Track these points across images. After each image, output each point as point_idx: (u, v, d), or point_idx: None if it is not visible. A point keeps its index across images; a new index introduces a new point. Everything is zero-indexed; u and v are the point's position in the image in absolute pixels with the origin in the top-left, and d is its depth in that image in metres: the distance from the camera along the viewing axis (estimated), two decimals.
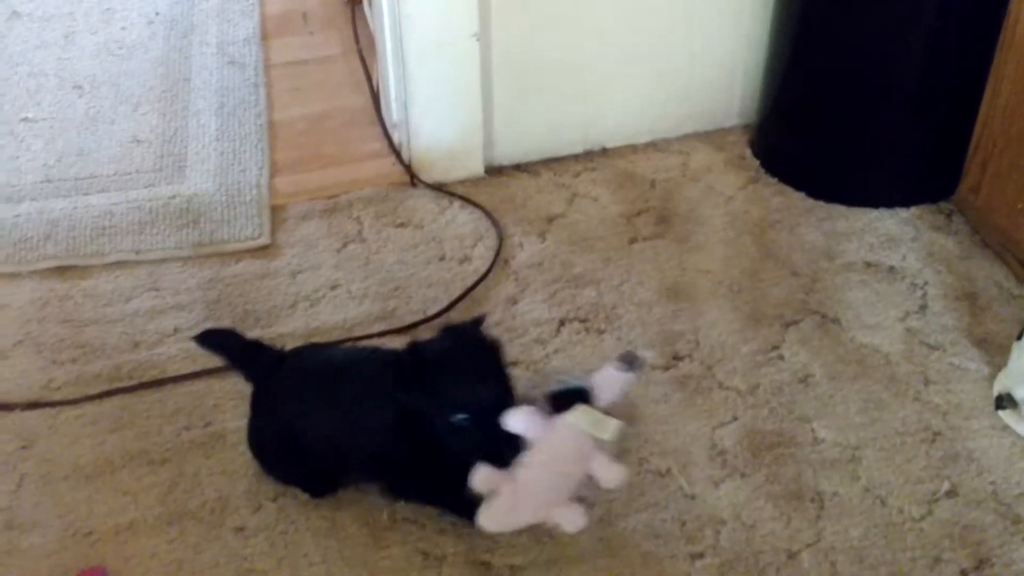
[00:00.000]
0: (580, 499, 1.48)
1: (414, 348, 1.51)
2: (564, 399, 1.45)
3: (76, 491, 1.65)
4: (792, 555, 1.56)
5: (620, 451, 1.55)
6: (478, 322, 1.55)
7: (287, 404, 1.59)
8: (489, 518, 1.47)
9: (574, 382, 1.48)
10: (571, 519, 1.47)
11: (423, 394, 1.46)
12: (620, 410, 1.47)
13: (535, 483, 1.46)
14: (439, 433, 1.47)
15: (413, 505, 1.62)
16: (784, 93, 2.19)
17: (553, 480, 1.46)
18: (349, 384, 1.56)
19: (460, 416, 1.44)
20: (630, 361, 1.48)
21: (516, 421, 1.43)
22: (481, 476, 1.45)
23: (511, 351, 1.84)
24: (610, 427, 1.43)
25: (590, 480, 1.46)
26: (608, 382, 1.47)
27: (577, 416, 1.43)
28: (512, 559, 1.56)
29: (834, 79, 2.09)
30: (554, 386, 1.48)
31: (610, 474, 1.45)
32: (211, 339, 1.70)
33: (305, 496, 1.63)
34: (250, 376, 1.65)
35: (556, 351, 1.85)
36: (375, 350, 1.69)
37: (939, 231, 2.09)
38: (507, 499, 1.45)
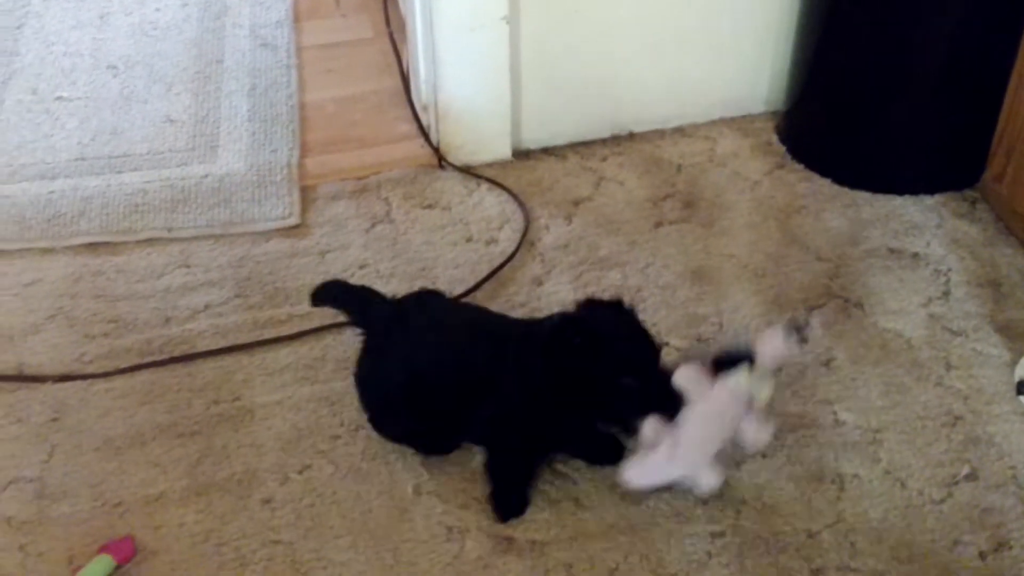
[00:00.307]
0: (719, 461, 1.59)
1: (569, 317, 1.56)
2: (727, 361, 1.54)
3: (106, 462, 1.69)
4: (812, 535, 1.57)
5: (768, 416, 1.62)
6: (617, 300, 1.60)
7: (418, 352, 1.60)
8: (639, 473, 1.57)
9: (740, 346, 1.58)
10: (710, 478, 1.58)
11: (591, 359, 1.50)
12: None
13: (690, 439, 1.54)
14: (603, 395, 1.52)
15: (437, 479, 1.64)
16: (811, 80, 2.19)
17: (707, 437, 1.55)
18: (484, 341, 1.60)
19: (628, 379, 1.51)
20: (797, 328, 1.59)
21: (684, 378, 1.52)
22: (651, 426, 1.54)
23: None
24: (767, 389, 1.54)
25: (733, 441, 1.58)
26: (771, 347, 1.55)
27: (739, 377, 1.53)
28: (534, 534, 1.58)
29: (861, 67, 2.09)
30: (720, 349, 1.59)
31: (759, 435, 1.59)
32: (324, 295, 1.74)
33: (331, 469, 1.66)
34: (366, 323, 1.67)
35: None
36: (499, 314, 1.73)
37: (963, 218, 2.09)
38: (664, 452, 1.54)
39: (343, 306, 1.74)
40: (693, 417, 1.53)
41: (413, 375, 1.60)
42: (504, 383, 1.56)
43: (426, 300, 1.72)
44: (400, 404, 1.62)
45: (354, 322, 1.72)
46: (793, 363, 1.80)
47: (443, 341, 1.61)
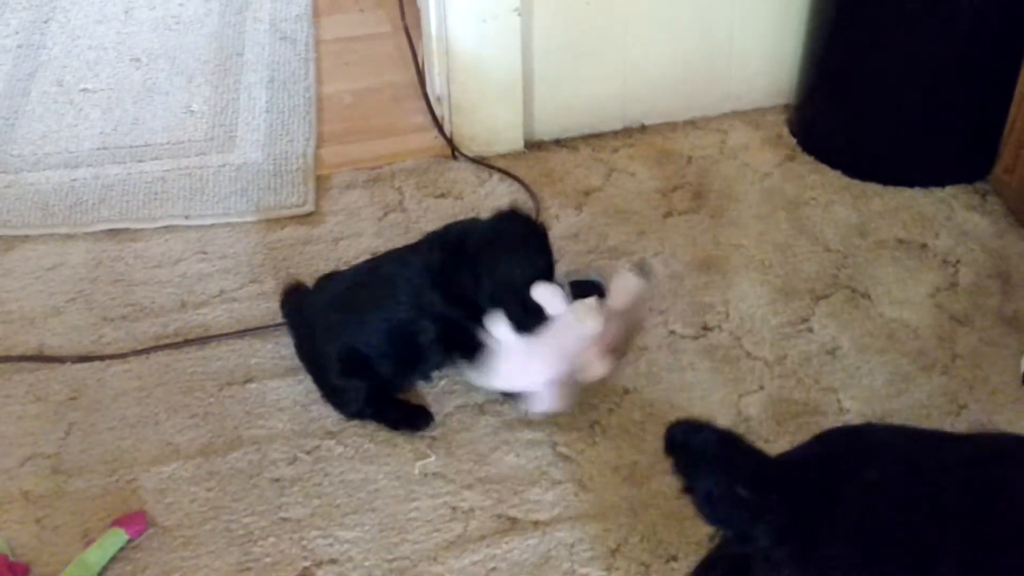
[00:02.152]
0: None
1: (452, 235, 1.70)
2: (582, 289, 1.64)
3: (121, 440, 1.73)
4: None
5: (623, 355, 1.74)
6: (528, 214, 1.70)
7: (329, 335, 1.71)
8: (495, 376, 1.67)
9: (593, 277, 1.69)
10: (544, 400, 1.68)
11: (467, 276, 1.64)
12: (633, 315, 1.67)
13: (536, 354, 1.64)
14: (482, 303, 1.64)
15: (443, 460, 1.67)
16: (822, 73, 2.21)
17: (554, 355, 1.64)
18: (377, 288, 1.71)
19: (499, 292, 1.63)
20: (642, 268, 1.67)
21: (540, 294, 1.62)
22: (505, 332, 1.63)
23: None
24: (590, 323, 1.61)
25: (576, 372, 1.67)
26: (623, 285, 1.66)
27: (576, 306, 1.62)
28: (537, 514, 1.60)
29: (872, 59, 2.10)
30: (574, 277, 1.69)
31: (592, 368, 1.66)
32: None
33: (340, 450, 1.70)
34: (288, 315, 1.79)
35: None
36: (395, 252, 1.79)
37: (973, 211, 2.10)
38: (518, 359, 1.64)
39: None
40: (546, 334, 1.62)
41: (338, 352, 1.70)
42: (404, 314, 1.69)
43: (320, 285, 1.80)
44: (341, 381, 1.72)
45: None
46: (798, 351, 1.83)
47: (341, 309, 1.72)
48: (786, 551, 1.11)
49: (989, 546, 1.06)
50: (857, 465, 1.14)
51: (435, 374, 1.79)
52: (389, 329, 1.70)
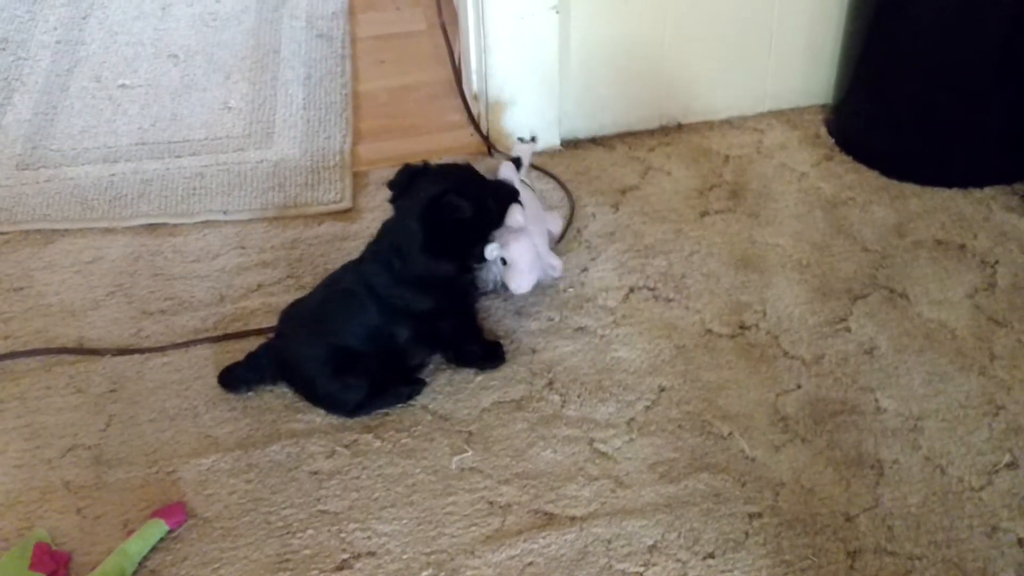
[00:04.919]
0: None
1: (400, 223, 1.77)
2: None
3: (161, 432, 1.74)
4: (849, 518, 1.58)
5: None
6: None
7: (311, 341, 1.74)
8: (522, 281, 1.81)
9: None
10: (555, 264, 1.90)
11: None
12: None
13: (535, 238, 1.83)
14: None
15: (480, 455, 1.68)
16: (861, 72, 2.20)
17: (541, 231, 1.89)
18: (343, 301, 1.75)
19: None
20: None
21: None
22: (516, 217, 1.78)
23: (579, 317, 1.90)
24: (517, 216, 1.78)
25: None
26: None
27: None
28: (574, 511, 1.61)
29: (911, 59, 2.09)
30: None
31: (557, 224, 2.01)
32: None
33: (377, 444, 1.70)
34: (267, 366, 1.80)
35: (624, 317, 1.90)
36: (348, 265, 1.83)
37: (1012, 212, 2.09)
38: (525, 258, 1.80)
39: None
40: (527, 221, 1.80)
41: (328, 346, 1.72)
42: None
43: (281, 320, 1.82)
44: (335, 386, 1.73)
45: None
46: (835, 351, 1.82)
47: (307, 324, 1.76)
48: None
49: None
50: None
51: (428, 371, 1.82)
52: (367, 333, 1.73)
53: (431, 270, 1.73)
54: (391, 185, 1.78)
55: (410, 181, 1.76)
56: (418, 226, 1.71)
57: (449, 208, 1.71)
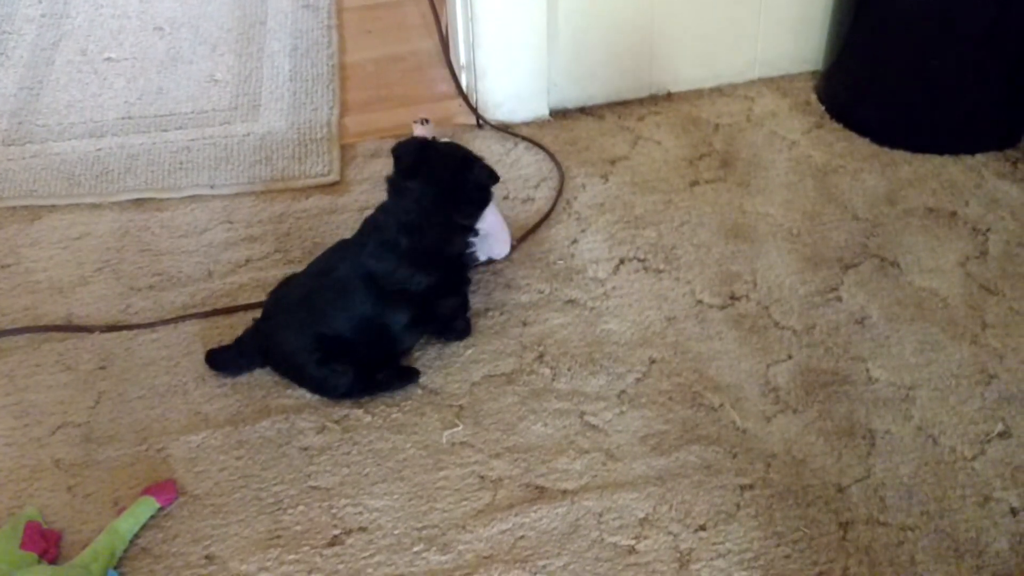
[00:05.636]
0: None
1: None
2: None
3: (150, 409, 1.73)
4: (841, 489, 1.58)
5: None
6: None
7: (300, 330, 1.71)
8: (504, 247, 1.92)
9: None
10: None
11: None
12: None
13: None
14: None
15: (471, 430, 1.68)
16: (851, 39, 2.18)
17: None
18: (336, 292, 1.72)
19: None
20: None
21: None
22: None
23: (569, 290, 1.89)
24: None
25: None
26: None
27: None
28: (565, 484, 1.60)
29: (901, 26, 2.08)
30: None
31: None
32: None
33: (368, 419, 1.70)
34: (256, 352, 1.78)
35: (614, 288, 1.89)
36: (344, 251, 1.79)
37: (1004, 178, 2.08)
38: (498, 225, 1.90)
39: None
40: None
41: (311, 345, 1.69)
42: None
43: (267, 301, 1.80)
44: (323, 370, 1.70)
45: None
46: (826, 320, 1.82)
47: (302, 307, 1.72)
48: None
49: None
50: None
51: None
52: (358, 322, 1.71)
53: (446, 241, 1.73)
54: (399, 165, 1.74)
55: (418, 156, 1.73)
56: (449, 191, 1.72)
57: (486, 174, 1.76)
